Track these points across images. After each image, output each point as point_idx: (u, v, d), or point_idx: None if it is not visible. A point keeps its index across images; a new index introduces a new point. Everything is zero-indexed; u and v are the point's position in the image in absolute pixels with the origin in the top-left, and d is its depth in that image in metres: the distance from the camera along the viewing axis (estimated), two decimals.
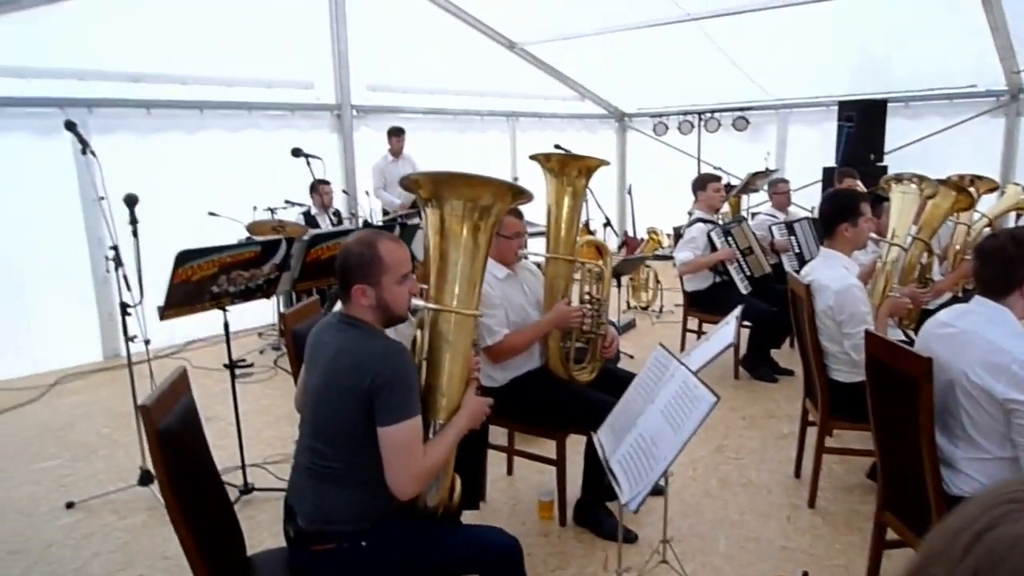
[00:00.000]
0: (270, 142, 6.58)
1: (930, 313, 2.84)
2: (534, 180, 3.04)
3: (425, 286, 2.13)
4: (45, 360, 5.51)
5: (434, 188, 2.00)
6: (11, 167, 5.31)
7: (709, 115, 9.24)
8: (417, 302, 2.00)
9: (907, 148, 7.74)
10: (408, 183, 2.05)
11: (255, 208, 6.08)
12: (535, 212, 3.38)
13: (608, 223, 5.73)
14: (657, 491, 3.36)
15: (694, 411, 1.72)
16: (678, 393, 1.83)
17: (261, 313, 6.25)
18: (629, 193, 9.30)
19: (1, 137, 5.31)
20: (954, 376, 2.13)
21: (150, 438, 1.71)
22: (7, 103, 5.27)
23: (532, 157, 3.02)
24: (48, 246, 5.50)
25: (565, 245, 3.05)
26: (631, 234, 9.59)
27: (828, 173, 7.67)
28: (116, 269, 3.27)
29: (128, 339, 3.33)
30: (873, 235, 3.29)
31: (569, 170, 2.93)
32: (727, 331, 2.47)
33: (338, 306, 2.07)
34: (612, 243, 8.62)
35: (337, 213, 6.32)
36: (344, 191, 7.04)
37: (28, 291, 5.44)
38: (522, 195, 2.05)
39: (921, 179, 3.31)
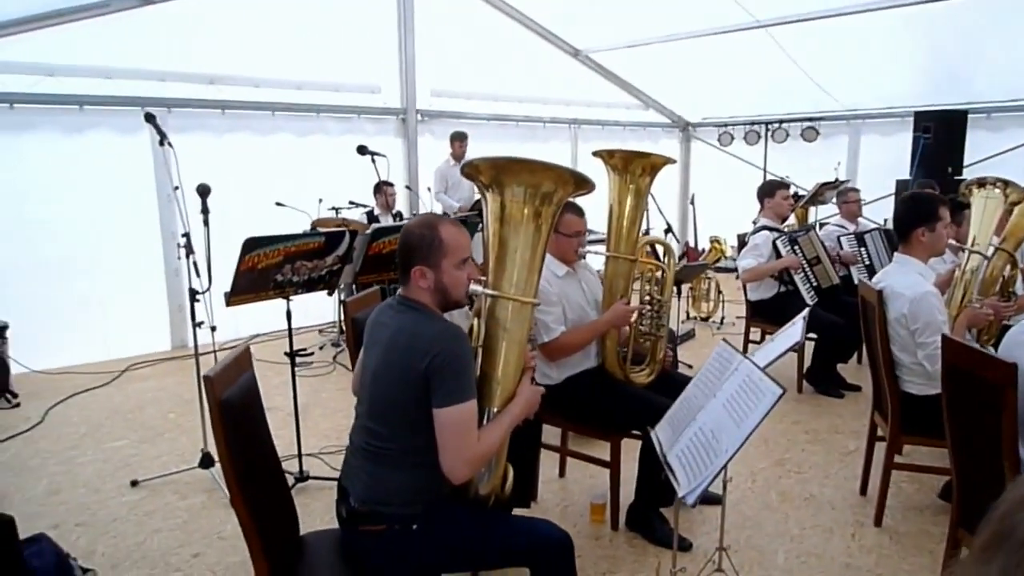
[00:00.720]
0: (336, 145, 6.75)
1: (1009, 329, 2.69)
2: (592, 195, 3.00)
3: (484, 278, 2.12)
4: (117, 348, 5.75)
5: (495, 173, 2.00)
6: (93, 162, 5.58)
7: (777, 125, 9.02)
8: (475, 287, 1.99)
9: (987, 161, 7.38)
10: (469, 169, 2.05)
11: (320, 200, 6.21)
12: (595, 218, 3.36)
13: (669, 229, 5.62)
14: (713, 500, 3.28)
15: (759, 404, 1.66)
16: (742, 387, 1.77)
17: (322, 310, 6.38)
18: (692, 203, 9.14)
19: (86, 133, 5.59)
20: None
21: (212, 408, 1.74)
22: (93, 101, 5.55)
23: (595, 154, 2.99)
24: (124, 239, 5.75)
25: (626, 244, 3.01)
26: (692, 245, 9.43)
27: (902, 186, 7.39)
28: (187, 256, 3.38)
29: (196, 325, 3.43)
30: (952, 242, 3.13)
31: (633, 167, 2.89)
32: (794, 331, 2.38)
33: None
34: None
35: (399, 215, 6.41)
36: (407, 187, 7.15)
37: (104, 281, 5.68)
38: (585, 184, 2.02)
39: (1006, 184, 3.14)
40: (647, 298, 3.07)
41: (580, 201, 2.98)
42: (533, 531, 2.05)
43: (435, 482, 1.93)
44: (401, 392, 1.86)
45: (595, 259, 3.27)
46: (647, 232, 6.24)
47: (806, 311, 2.58)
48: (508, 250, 2.03)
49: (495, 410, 2.03)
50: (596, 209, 3.17)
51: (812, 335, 4.75)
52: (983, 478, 2.18)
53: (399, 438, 1.89)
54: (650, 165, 2.90)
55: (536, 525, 2.09)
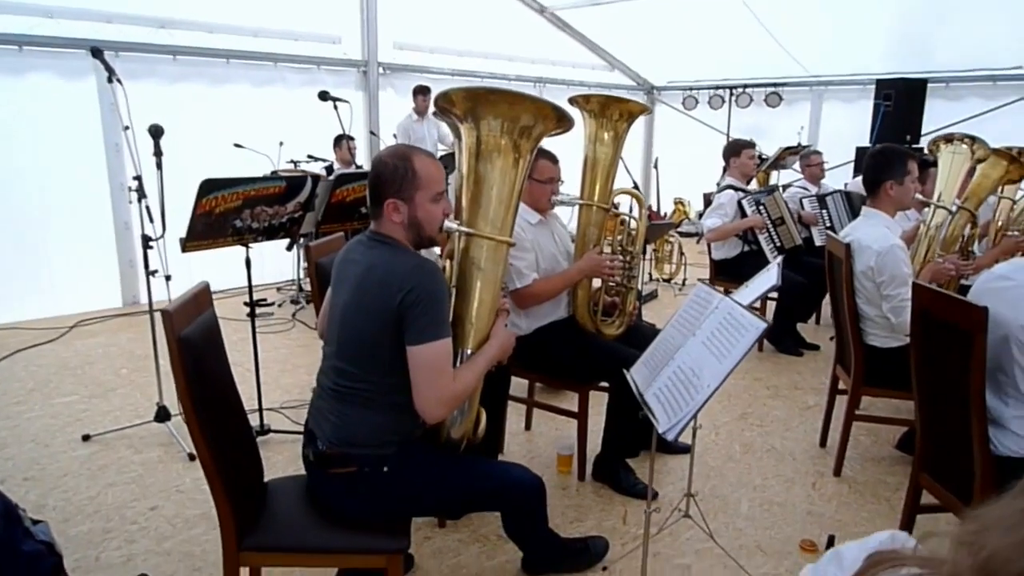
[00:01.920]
0: (295, 96, 6.52)
1: (968, 289, 2.73)
2: (565, 148, 2.94)
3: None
4: (64, 304, 5.49)
5: (471, 105, 1.91)
6: (35, 108, 5.27)
7: (741, 90, 9.04)
8: (450, 224, 1.92)
9: (944, 131, 7.51)
10: (443, 101, 1.96)
11: (281, 144, 6.00)
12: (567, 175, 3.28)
13: (636, 187, 5.60)
14: (681, 449, 3.31)
15: (741, 339, 1.64)
16: (722, 324, 1.74)
17: (280, 268, 6.22)
18: (655, 167, 9.13)
19: (26, 76, 5.26)
20: (1010, 331, 2.02)
21: (170, 345, 1.65)
22: (33, 42, 5.22)
23: (571, 99, 2.92)
24: (70, 190, 5.47)
25: (601, 193, 2.95)
26: (655, 208, 9.45)
27: (861, 153, 7.50)
28: (139, 201, 3.21)
29: (149, 273, 3.28)
30: (919, 196, 3.16)
31: (610, 112, 2.82)
32: (770, 275, 2.37)
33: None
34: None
35: (360, 168, 6.24)
36: (371, 132, 6.97)
37: (50, 235, 5.42)
38: (564, 120, 1.95)
39: (973, 140, 3.17)
40: (619, 249, 3.03)
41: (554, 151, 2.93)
42: (505, 474, 2.02)
43: (407, 423, 1.87)
44: (373, 329, 1.78)
45: (562, 212, 3.23)
46: None
47: (780, 257, 2.57)
48: (484, 187, 1.96)
49: (469, 352, 1.98)
50: (567, 165, 3.10)
51: (774, 295, 4.81)
52: (947, 426, 2.21)
53: (370, 378, 1.82)
54: (627, 111, 2.84)
55: (508, 469, 2.06)
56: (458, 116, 1.97)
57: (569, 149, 3.09)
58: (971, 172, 3.39)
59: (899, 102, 7.21)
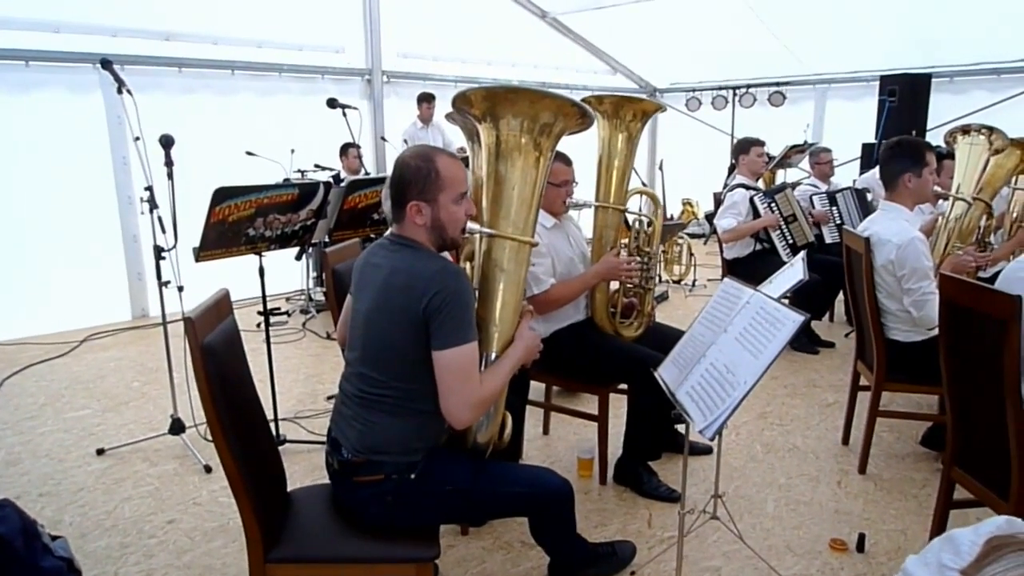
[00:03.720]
0: (300, 106, 6.52)
1: (985, 282, 2.69)
2: (577, 150, 2.92)
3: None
4: (74, 318, 5.48)
5: (490, 105, 1.88)
6: (42, 123, 5.27)
7: (744, 90, 9.01)
8: (473, 226, 1.89)
9: (949, 125, 7.47)
10: (460, 102, 1.93)
11: (292, 151, 5.99)
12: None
13: (644, 186, 5.59)
14: (703, 450, 3.28)
15: (777, 334, 1.60)
16: (755, 319, 1.71)
17: (290, 278, 6.20)
18: (660, 169, 9.08)
19: (32, 92, 5.26)
20: None
21: (193, 352, 1.62)
22: (40, 57, 5.22)
23: (584, 100, 2.88)
24: (78, 205, 5.46)
25: (616, 194, 2.93)
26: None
27: (867, 149, 7.47)
28: (151, 211, 3.18)
29: (162, 284, 3.25)
30: (938, 188, 3.12)
31: (624, 113, 2.79)
32: (795, 271, 2.34)
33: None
34: None
35: (369, 176, 6.23)
36: (382, 137, 6.95)
37: (58, 249, 5.40)
38: (585, 116, 1.92)
39: (991, 130, 3.14)
40: (635, 250, 3.00)
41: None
42: (534, 479, 1.98)
43: (434, 429, 1.84)
44: (398, 335, 1.75)
45: (575, 212, 3.20)
46: None
47: (803, 252, 2.54)
48: (505, 187, 1.93)
49: (494, 356, 1.94)
50: (579, 167, 3.07)
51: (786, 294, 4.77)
52: (980, 418, 2.17)
53: (396, 384, 1.78)
54: (641, 111, 2.81)
55: (537, 473, 2.02)
56: (476, 116, 1.94)
57: (581, 151, 3.06)
58: (987, 164, 3.35)
59: (904, 97, 7.19)
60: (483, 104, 1.90)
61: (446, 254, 1.95)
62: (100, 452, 3.38)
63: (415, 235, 1.83)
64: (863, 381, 3.32)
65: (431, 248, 1.84)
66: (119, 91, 3.17)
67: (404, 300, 1.73)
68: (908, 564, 0.72)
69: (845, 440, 3.45)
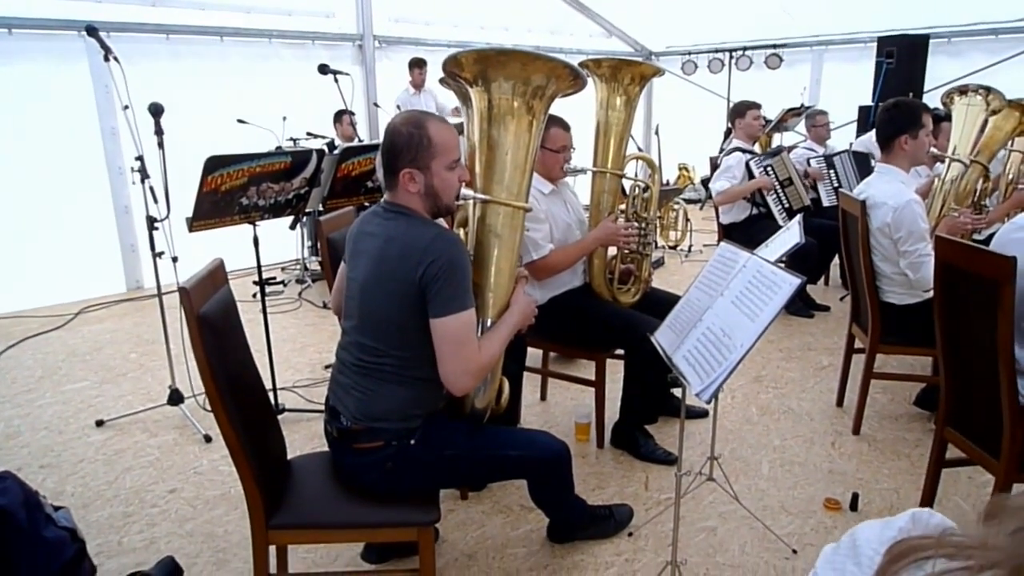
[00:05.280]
0: (290, 73, 6.42)
1: (979, 244, 2.68)
2: (574, 114, 2.88)
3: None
4: (67, 291, 5.44)
5: (481, 68, 1.85)
6: (27, 94, 5.17)
7: (740, 53, 8.90)
8: (467, 191, 1.88)
9: (947, 87, 7.41)
10: (451, 66, 1.89)
11: (284, 118, 5.91)
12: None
13: (640, 151, 5.55)
14: (699, 413, 3.31)
15: (774, 296, 1.61)
16: (752, 282, 1.71)
17: (285, 247, 6.17)
18: (656, 133, 9.01)
19: (17, 61, 5.16)
20: None
21: (190, 322, 1.62)
22: (22, 24, 5.10)
23: (582, 64, 2.84)
24: (67, 176, 5.38)
25: (615, 160, 2.90)
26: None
27: (864, 112, 7.41)
28: (143, 181, 3.15)
29: (156, 255, 3.24)
30: (934, 150, 3.10)
31: (622, 76, 2.75)
32: (791, 234, 2.33)
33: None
34: None
35: (363, 142, 6.17)
36: (375, 104, 6.87)
37: (49, 222, 5.35)
38: (578, 78, 1.89)
39: (988, 91, 3.11)
40: (633, 215, 2.99)
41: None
42: (531, 442, 2.00)
43: (432, 396, 1.85)
44: (395, 303, 1.75)
45: (571, 178, 3.18)
46: None
47: (799, 216, 2.53)
48: (498, 152, 1.91)
49: (489, 322, 1.95)
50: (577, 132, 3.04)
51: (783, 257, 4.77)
52: (973, 379, 2.19)
53: (394, 352, 1.79)
54: (639, 74, 2.77)
55: (534, 436, 2.05)
56: (468, 80, 1.91)
57: (578, 117, 3.03)
58: (983, 125, 3.33)
59: (901, 59, 7.11)
60: (474, 68, 1.87)
61: (440, 220, 1.94)
62: (100, 424, 3.39)
63: (409, 202, 1.81)
64: (858, 344, 3.34)
65: (425, 215, 1.83)
66: (106, 59, 3.11)
67: (400, 269, 1.72)
68: (819, 564, 0.69)
69: (839, 402, 3.48)
